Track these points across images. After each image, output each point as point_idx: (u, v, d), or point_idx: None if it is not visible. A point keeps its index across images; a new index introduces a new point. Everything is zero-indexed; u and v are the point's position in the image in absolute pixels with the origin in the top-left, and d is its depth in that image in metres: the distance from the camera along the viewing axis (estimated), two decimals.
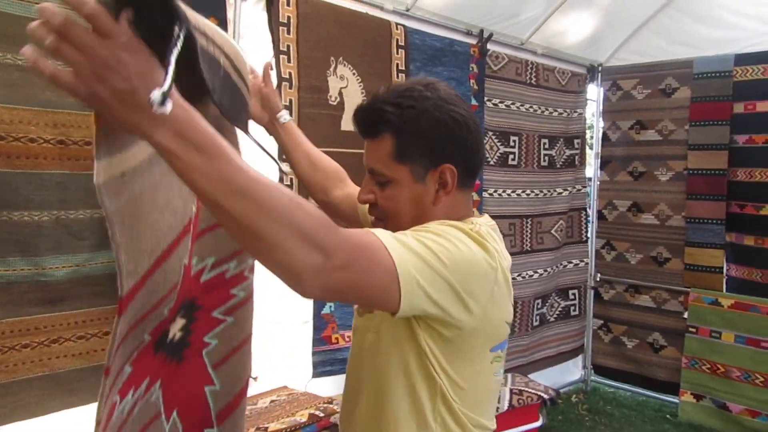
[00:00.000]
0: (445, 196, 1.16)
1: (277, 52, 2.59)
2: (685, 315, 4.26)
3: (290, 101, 2.65)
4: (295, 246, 0.81)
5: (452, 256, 1.01)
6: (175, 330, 1.13)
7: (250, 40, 2.57)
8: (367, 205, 1.23)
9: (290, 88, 2.64)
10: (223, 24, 2.35)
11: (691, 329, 4.22)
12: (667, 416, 4.32)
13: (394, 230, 1.07)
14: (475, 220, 1.18)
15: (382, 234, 0.98)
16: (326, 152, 2.77)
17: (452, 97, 1.17)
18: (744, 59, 4.01)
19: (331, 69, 2.78)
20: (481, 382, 1.14)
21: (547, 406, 3.74)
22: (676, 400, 4.30)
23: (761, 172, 3.97)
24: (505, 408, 3.26)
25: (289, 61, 2.62)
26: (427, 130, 1.13)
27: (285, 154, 1.64)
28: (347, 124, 2.86)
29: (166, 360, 1.13)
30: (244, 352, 1.31)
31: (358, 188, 1.29)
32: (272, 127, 1.59)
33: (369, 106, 1.18)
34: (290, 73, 2.62)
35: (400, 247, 0.97)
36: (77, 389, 2.09)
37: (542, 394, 3.65)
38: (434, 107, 1.13)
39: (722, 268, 4.19)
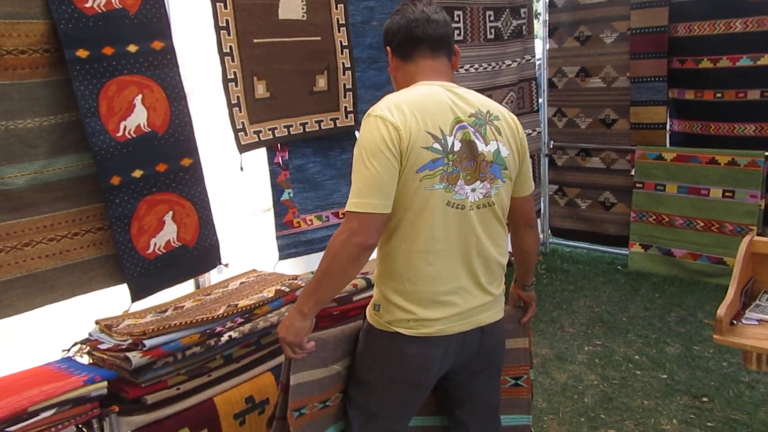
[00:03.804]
0: (394, 65, 1.70)
1: None
2: (632, 172, 4.50)
3: None
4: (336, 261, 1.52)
5: (362, 157, 1.50)
6: None
7: None
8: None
9: None
10: None
11: (638, 185, 4.48)
12: (618, 267, 4.67)
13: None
14: (402, 92, 1.61)
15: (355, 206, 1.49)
16: (265, 43, 2.84)
17: (403, 5, 1.69)
18: None
19: None
20: (418, 197, 1.53)
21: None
22: (626, 252, 4.65)
23: (699, 26, 4.07)
24: None
25: None
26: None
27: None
28: (285, 12, 2.87)
29: None
30: None
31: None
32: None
33: None
34: None
35: (355, 200, 1.49)
36: (57, 286, 2.25)
37: None
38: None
39: (665, 124, 4.39)
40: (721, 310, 1.78)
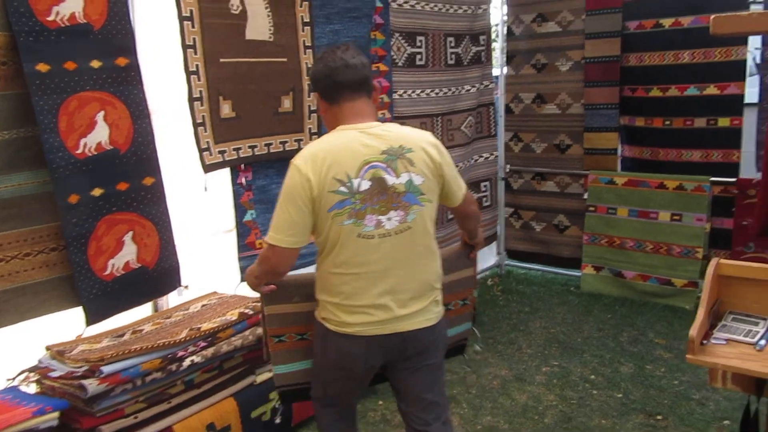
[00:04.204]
0: (323, 108, 1.93)
1: None
2: (585, 196, 4.63)
3: (191, 12, 2.59)
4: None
5: (281, 200, 1.82)
6: None
7: None
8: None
9: None
10: None
11: (590, 208, 4.61)
12: (572, 288, 4.77)
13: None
14: (321, 140, 1.88)
15: (271, 239, 1.85)
16: (232, 62, 2.81)
17: (324, 53, 1.92)
18: None
19: None
20: (332, 231, 1.81)
21: None
22: (579, 273, 4.75)
23: (649, 56, 4.25)
24: None
25: None
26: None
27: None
28: (252, 32, 2.85)
29: None
30: None
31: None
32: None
33: None
34: None
35: (271, 233, 1.84)
36: (4, 310, 2.14)
37: None
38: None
39: (617, 149, 4.55)
40: (693, 331, 1.83)
